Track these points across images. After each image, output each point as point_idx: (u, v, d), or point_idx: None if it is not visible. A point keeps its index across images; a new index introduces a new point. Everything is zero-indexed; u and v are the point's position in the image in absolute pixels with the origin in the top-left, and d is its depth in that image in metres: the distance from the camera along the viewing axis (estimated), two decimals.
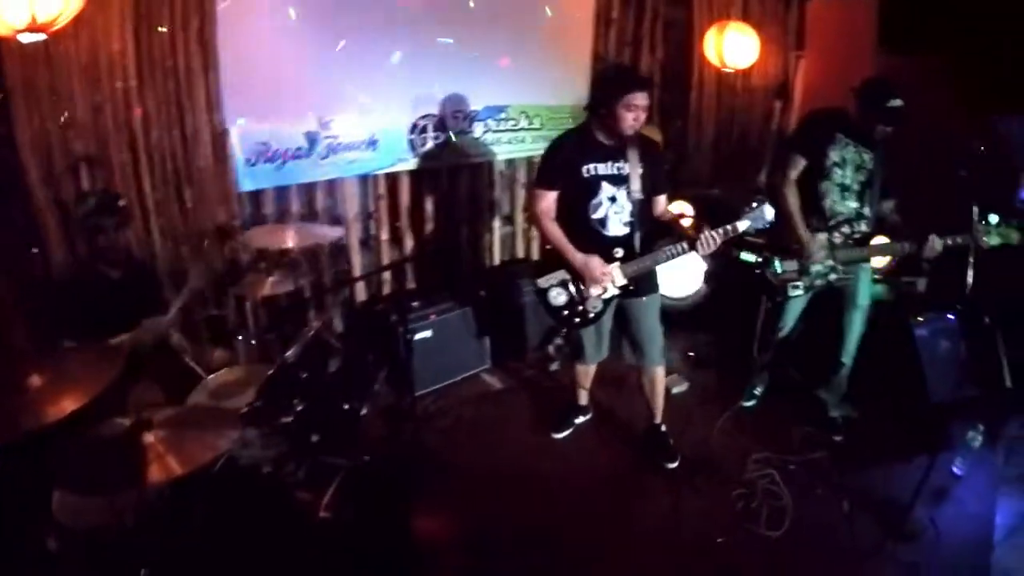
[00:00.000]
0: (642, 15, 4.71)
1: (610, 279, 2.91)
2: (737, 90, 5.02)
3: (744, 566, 2.70)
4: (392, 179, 3.88)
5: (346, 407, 2.78)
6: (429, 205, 4.05)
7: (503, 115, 4.14)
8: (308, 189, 3.58)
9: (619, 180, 2.90)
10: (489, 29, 3.91)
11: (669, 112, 5.04)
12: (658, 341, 3.19)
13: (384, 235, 3.91)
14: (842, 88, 3.59)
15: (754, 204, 3.09)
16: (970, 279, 2.91)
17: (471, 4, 3.78)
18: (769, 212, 2.89)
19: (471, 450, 3.29)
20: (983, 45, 4.26)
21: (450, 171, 4.07)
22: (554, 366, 4.04)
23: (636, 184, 2.90)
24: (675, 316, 4.30)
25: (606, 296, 2.95)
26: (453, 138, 3.92)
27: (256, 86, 3.22)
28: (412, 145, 3.78)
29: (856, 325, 3.45)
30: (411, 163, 3.84)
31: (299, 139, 3.42)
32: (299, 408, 2.41)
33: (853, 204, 3.26)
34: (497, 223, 4.41)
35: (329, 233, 3.48)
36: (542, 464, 3.23)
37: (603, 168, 2.88)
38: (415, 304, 3.68)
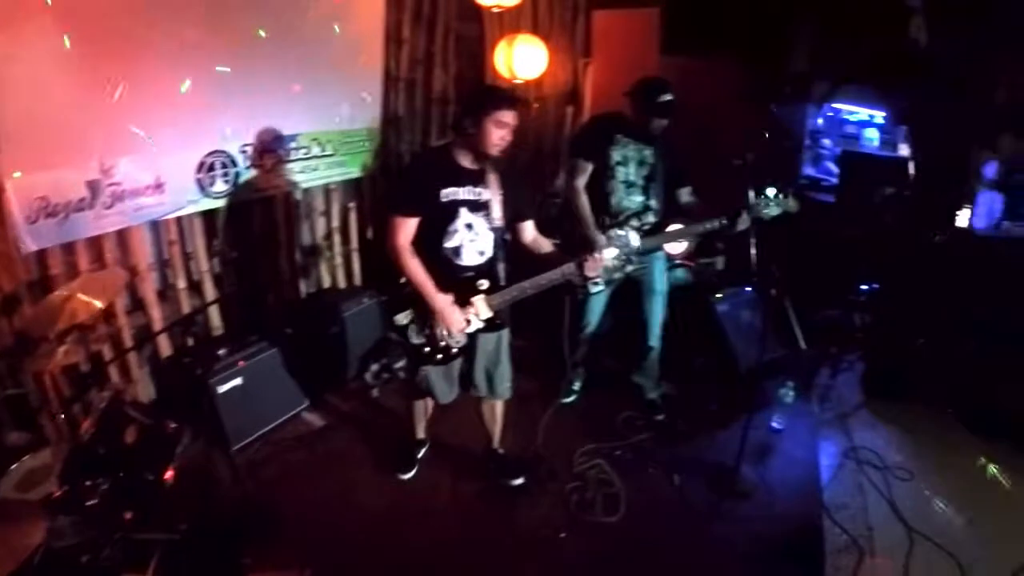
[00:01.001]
0: (434, 32, 4.87)
1: (477, 314, 2.88)
2: (530, 100, 5.33)
3: (590, 554, 2.97)
4: (184, 222, 3.76)
5: (151, 477, 2.74)
6: (225, 246, 3.97)
7: (294, 144, 4.11)
8: (96, 242, 3.36)
9: (478, 206, 2.82)
10: (277, 56, 3.84)
11: None
12: (509, 374, 3.20)
13: (181, 283, 3.79)
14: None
15: (620, 232, 3.16)
16: (754, 254, 3.40)
17: (261, 33, 3.72)
18: (634, 238, 2.99)
19: (303, 497, 3.27)
20: (756, 45, 4.93)
21: (244, 207, 4.00)
22: (375, 392, 4.13)
23: (497, 211, 2.86)
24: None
25: (470, 330, 2.90)
26: (243, 173, 3.86)
27: (31, 135, 2.96)
28: (201, 185, 3.67)
29: (657, 310, 3.80)
30: (202, 204, 3.72)
31: (81, 189, 3.18)
32: (103, 487, 2.33)
33: (639, 198, 3.59)
34: (299, 255, 4.41)
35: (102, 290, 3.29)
36: (379, 500, 3.29)
37: (462, 193, 2.78)
38: (221, 352, 3.61)
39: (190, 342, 3.81)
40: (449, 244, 2.81)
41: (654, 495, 3.38)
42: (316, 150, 4.25)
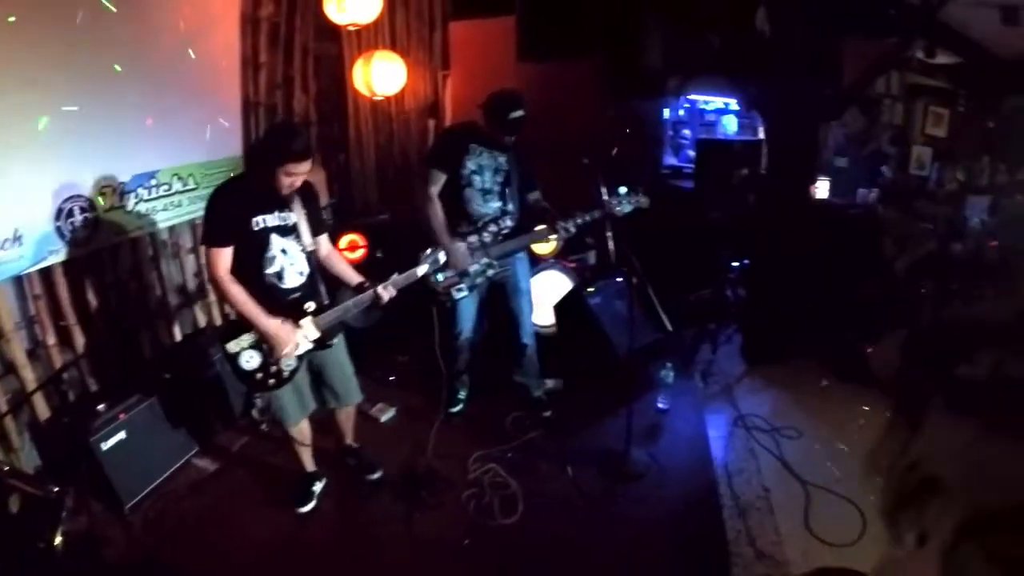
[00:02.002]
0: (292, 54, 4.96)
1: (306, 336, 3.03)
2: (392, 115, 5.51)
3: (496, 556, 3.14)
4: (47, 274, 3.63)
5: (41, 545, 2.71)
6: (92, 295, 3.89)
7: (154, 181, 4.08)
8: None
9: (287, 231, 3.00)
10: (131, 91, 3.81)
11: (331, 146, 5.41)
12: (353, 379, 3.45)
13: (51, 339, 3.67)
14: None
15: (429, 251, 3.53)
16: (611, 247, 3.68)
17: (116, 67, 3.68)
18: (442, 256, 3.34)
19: (204, 547, 3.26)
20: (610, 45, 5.31)
21: (108, 252, 3.95)
22: (264, 427, 4.15)
23: (305, 232, 3.06)
24: (367, 344, 4.70)
25: (300, 352, 3.04)
26: (104, 217, 3.79)
27: None
28: (61, 233, 3.57)
29: (525, 308, 4.05)
30: (63, 253, 3.62)
31: None
32: None
33: (496, 204, 3.84)
34: (171, 297, 4.37)
35: None
36: (279, 538, 3.32)
37: (271, 219, 2.95)
38: (100, 408, 3.52)
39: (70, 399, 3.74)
40: (270, 270, 2.98)
41: (549, 490, 3.60)
42: (178, 185, 4.23)
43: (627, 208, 3.88)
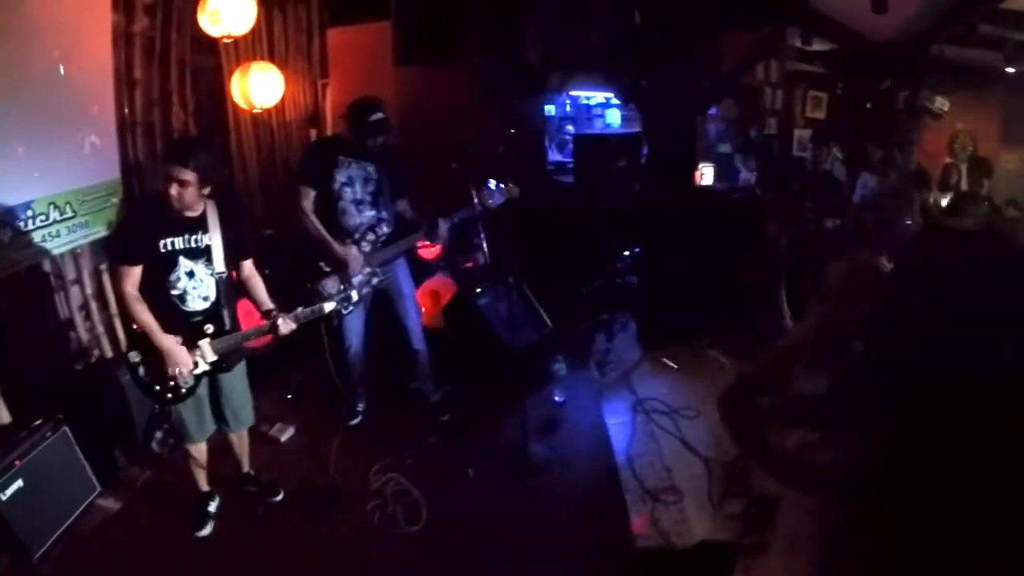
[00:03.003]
0: (168, 69, 4.92)
1: (202, 356, 3.16)
2: (273, 126, 5.62)
3: (405, 566, 3.34)
4: None
5: None
6: None
7: (29, 212, 4.00)
8: None
9: (198, 254, 3.13)
10: (3, 112, 3.75)
11: None
12: (248, 403, 3.64)
13: None
14: None
15: (323, 282, 3.81)
16: (485, 248, 3.99)
17: None
18: (355, 295, 3.50)
19: None
20: (487, 46, 5.55)
21: None
22: (165, 454, 4.19)
23: (219, 256, 3.18)
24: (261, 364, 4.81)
25: (197, 372, 3.19)
26: None
27: None
28: None
29: (411, 313, 4.30)
30: None
31: None
32: None
33: (370, 213, 4.06)
34: (61, 331, 4.35)
35: None
36: (185, 557, 3.48)
37: (179, 242, 3.09)
38: None
39: None
40: (174, 292, 3.14)
41: (452, 494, 3.84)
42: (55, 215, 4.15)
43: (499, 200, 4.18)
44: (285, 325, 3.26)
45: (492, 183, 4.18)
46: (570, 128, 6.47)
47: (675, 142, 5.49)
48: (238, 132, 5.58)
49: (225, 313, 3.27)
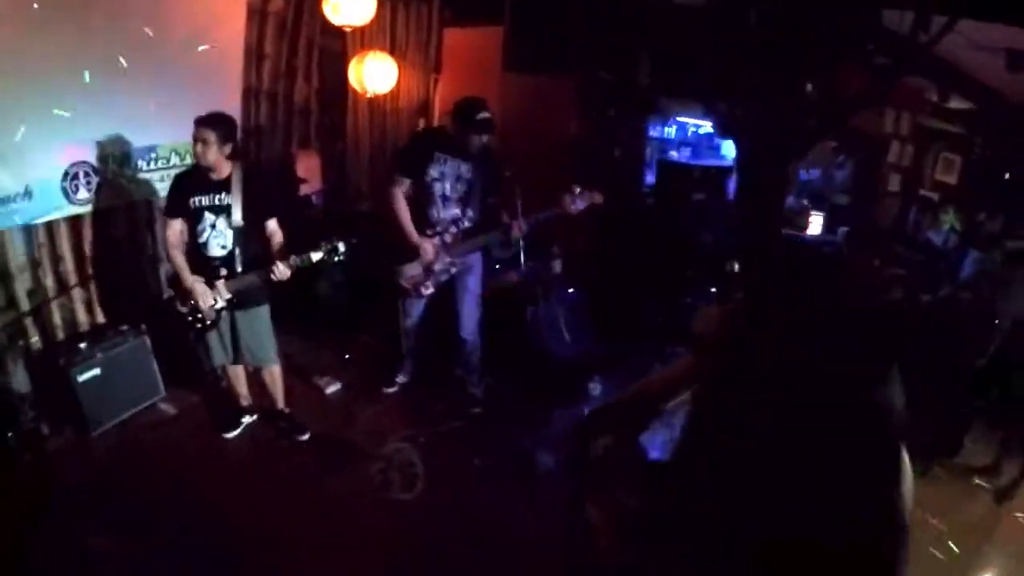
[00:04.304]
0: (296, 46, 5.85)
1: (219, 294, 4.03)
2: (386, 111, 6.42)
3: (379, 524, 3.88)
4: (51, 226, 4.63)
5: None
6: (90, 247, 4.88)
7: (154, 155, 5.05)
8: None
9: (219, 209, 3.98)
10: (140, 72, 4.71)
11: (329, 135, 6.35)
12: (265, 345, 4.36)
13: (49, 281, 4.67)
14: None
15: (333, 237, 4.14)
16: (559, 260, 4.42)
17: (121, 53, 4.60)
18: (341, 245, 4.06)
19: (152, 473, 4.17)
20: (599, 62, 6.11)
21: (107, 213, 4.92)
22: (224, 383, 4.91)
23: (237, 213, 3.97)
24: (337, 321, 5.64)
25: (217, 307, 4.06)
26: (105, 182, 4.77)
27: None
28: (66, 192, 4.56)
29: (469, 306, 4.75)
30: (67, 210, 4.62)
31: None
32: None
33: (455, 210, 4.53)
34: (161, 257, 5.25)
35: None
36: (212, 464, 4.31)
37: (206, 200, 3.96)
38: (82, 345, 4.48)
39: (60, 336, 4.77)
40: (200, 240, 4.03)
41: (451, 476, 4.31)
42: (176, 160, 5.18)
43: (580, 205, 4.51)
44: (279, 270, 3.98)
45: (577, 188, 4.51)
46: (673, 154, 6.76)
47: (765, 182, 5.58)
48: (355, 112, 6.46)
49: (239, 259, 4.08)
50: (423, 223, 4.52)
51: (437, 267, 4.56)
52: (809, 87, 5.58)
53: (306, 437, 4.60)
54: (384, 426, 4.75)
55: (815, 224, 6.56)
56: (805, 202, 6.61)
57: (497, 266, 5.60)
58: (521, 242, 4.73)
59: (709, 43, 5.47)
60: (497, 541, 3.79)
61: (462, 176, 4.51)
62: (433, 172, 4.45)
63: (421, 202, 4.51)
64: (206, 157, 3.91)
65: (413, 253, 4.50)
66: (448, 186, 4.51)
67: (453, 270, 4.64)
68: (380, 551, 3.71)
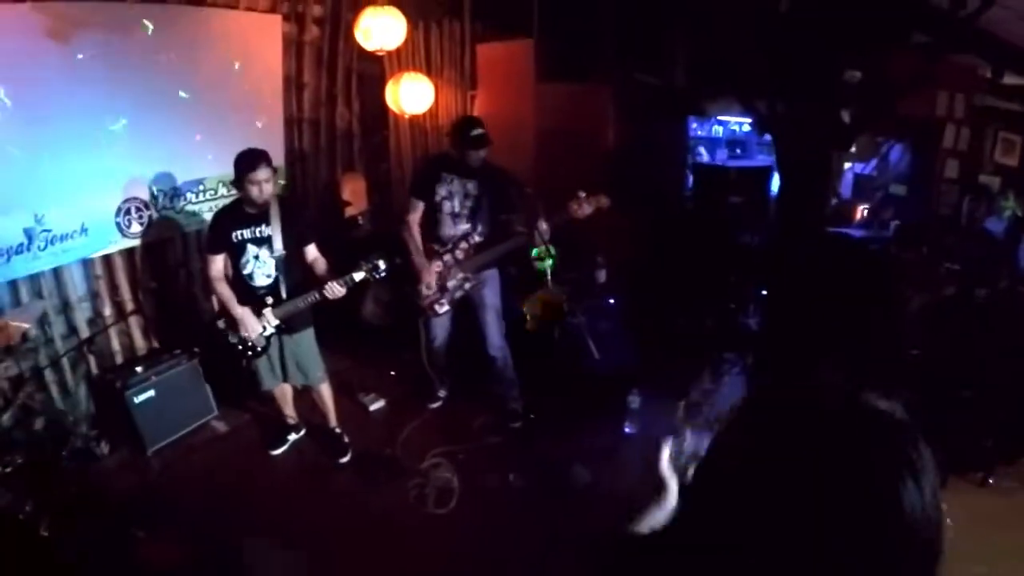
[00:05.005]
0: (335, 73, 6.21)
1: (267, 321, 4.31)
2: (427, 129, 6.70)
3: (414, 538, 4.08)
4: (108, 259, 5.06)
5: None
6: (145, 277, 5.31)
7: (202, 187, 5.45)
8: (34, 278, 4.66)
9: (260, 241, 4.22)
10: (184, 110, 5.14)
11: (373, 157, 6.67)
12: (313, 366, 4.62)
13: (107, 310, 5.10)
14: (511, 116, 5.26)
15: (372, 257, 4.35)
16: (603, 271, 4.54)
17: (164, 92, 5.01)
18: (382, 263, 4.29)
19: (204, 489, 4.50)
20: (632, 66, 6.23)
21: (159, 245, 5.34)
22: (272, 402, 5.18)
23: (278, 243, 4.23)
24: (382, 342, 5.89)
25: (266, 334, 4.33)
26: (156, 216, 5.18)
27: None
28: (120, 227, 4.99)
29: (491, 323, 4.92)
30: (121, 243, 5.05)
31: (19, 235, 4.47)
32: (19, 462, 3.80)
33: (465, 226, 4.77)
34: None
35: (29, 315, 4.42)
36: (259, 479, 4.62)
37: (247, 233, 4.21)
38: (138, 369, 4.89)
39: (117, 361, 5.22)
40: (245, 271, 4.28)
41: (487, 492, 4.46)
42: (223, 191, 5.56)
43: (588, 209, 4.57)
44: (333, 289, 4.22)
45: (582, 193, 4.58)
46: (702, 153, 6.79)
47: (806, 178, 5.60)
48: (397, 132, 6.78)
49: (283, 287, 4.36)
50: (435, 240, 4.81)
51: (450, 284, 4.80)
52: (856, 74, 5.59)
53: (347, 459, 4.85)
54: (425, 442, 4.97)
55: (866, 218, 6.44)
56: (850, 196, 6.49)
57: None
58: (551, 256, 4.91)
59: (747, 36, 5.52)
60: (522, 560, 3.86)
61: (469, 193, 4.74)
62: (441, 191, 4.72)
63: (432, 221, 4.80)
64: (264, 193, 4.15)
65: (412, 273, 4.78)
66: (456, 203, 4.76)
67: (467, 286, 4.83)
68: (407, 565, 3.90)
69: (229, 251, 4.30)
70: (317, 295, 4.27)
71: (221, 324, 4.40)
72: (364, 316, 6.10)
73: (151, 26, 4.87)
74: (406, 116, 6.26)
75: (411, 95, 6.11)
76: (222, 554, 3.88)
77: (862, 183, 6.68)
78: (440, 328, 5.06)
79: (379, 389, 5.66)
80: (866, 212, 6.45)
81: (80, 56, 4.52)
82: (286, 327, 4.42)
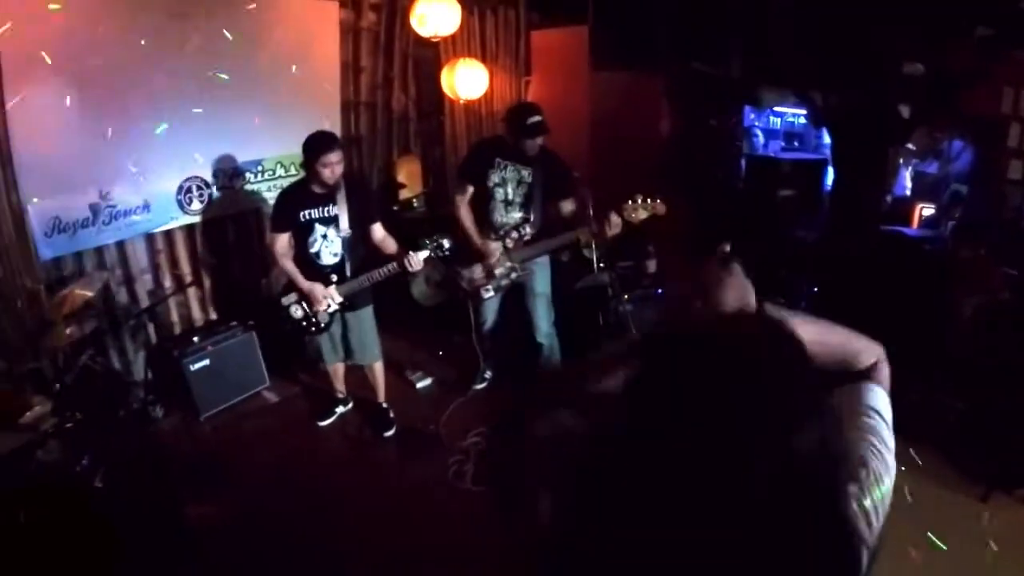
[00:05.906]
0: (391, 58, 6.48)
1: (331, 297, 4.52)
2: (482, 115, 6.92)
3: (449, 512, 4.30)
4: (169, 235, 5.46)
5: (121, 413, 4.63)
6: (204, 252, 5.68)
7: (260, 167, 5.79)
8: (99, 250, 5.04)
9: (328, 221, 4.40)
10: (242, 94, 5.45)
11: (428, 141, 6.95)
12: (372, 343, 4.83)
13: (167, 283, 5.49)
14: (565, 103, 5.38)
15: (436, 236, 4.54)
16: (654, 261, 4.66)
17: (224, 76, 5.34)
18: (446, 241, 4.46)
19: (252, 453, 4.84)
20: (688, 55, 6.35)
21: (219, 222, 5.70)
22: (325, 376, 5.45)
23: (344, 222, 4.42)
24: (434, 322, 6.15)
25: (331, 310, 4.53)
26: (216, 194, 5.54)
27: (45, 170, 4.56)
28: (181, 204, 5.37)
29: (540, 310, 5.07)
30: (182, 220, 5.43)
31: (84, 211, 4.83)
32: (79, 418, 4.09)
33: (517, 214, 4.85)
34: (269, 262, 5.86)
35: (92, 285, 4.63)
36: (306, 448, 4.92)
37: (315, 212, 4.37)
38: (195, 339, 5.25)
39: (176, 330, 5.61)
40: (312, 250, 4.47)
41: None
42: (281, 171, 5.92)
43: (643, 215, 4.61)
44: (414, 260, 4.42)
45: (639, 197, 4.59)
46: (758, 135, 6.80)
47: (861, 173, 5.63)
48: (452, 116, 7.03)
49: (348, 265, 4.59)
50: (487, 227, 4.88)
51: (498, 271, 4.85)
52: (919, 66, 5.59)
53: (391, 433, 5.09)
54: (466, 421, 5.17)
55: (932, 216, 6.40)
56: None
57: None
58: (594, 247, 4.86)
59: (803, 25, 5.52)
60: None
61: (523, 180, 4.80)
62: (495, 178, 4.78)
63: (484, 208, 4.88)
64: (336, 176, 4.32)
65: (475, 256, 4.86)
66: (510, 190, 4.84)
67: (514, 275, 4.89)
68: (441, 533, 4.12)
69: (295, 230, 4.48)
70: (394, 267, 4.50)
71: (288, 300, 4.59)
72: (414, 296, 6.34)
73: (212, 13, 5.21)
74: (461, 101, 6.47)
75: (466, 81, 6.32)
76: (265, 516, 4.19)
77: (924, 181, 6.62)
78: (490, 311, 5.20)
79: (427, 367, 5.92)
80: (930, 211, 6.38)
81: (143, 42, 4.87)
82: (349, 304, 4.65)
